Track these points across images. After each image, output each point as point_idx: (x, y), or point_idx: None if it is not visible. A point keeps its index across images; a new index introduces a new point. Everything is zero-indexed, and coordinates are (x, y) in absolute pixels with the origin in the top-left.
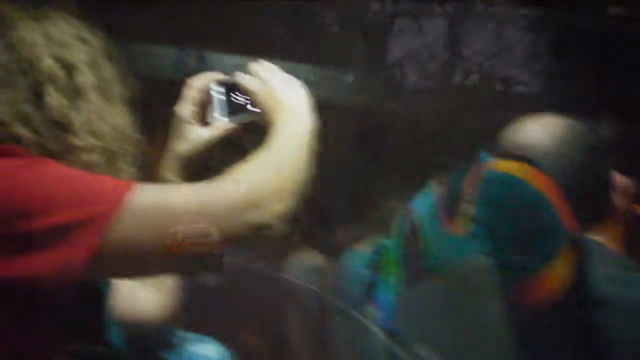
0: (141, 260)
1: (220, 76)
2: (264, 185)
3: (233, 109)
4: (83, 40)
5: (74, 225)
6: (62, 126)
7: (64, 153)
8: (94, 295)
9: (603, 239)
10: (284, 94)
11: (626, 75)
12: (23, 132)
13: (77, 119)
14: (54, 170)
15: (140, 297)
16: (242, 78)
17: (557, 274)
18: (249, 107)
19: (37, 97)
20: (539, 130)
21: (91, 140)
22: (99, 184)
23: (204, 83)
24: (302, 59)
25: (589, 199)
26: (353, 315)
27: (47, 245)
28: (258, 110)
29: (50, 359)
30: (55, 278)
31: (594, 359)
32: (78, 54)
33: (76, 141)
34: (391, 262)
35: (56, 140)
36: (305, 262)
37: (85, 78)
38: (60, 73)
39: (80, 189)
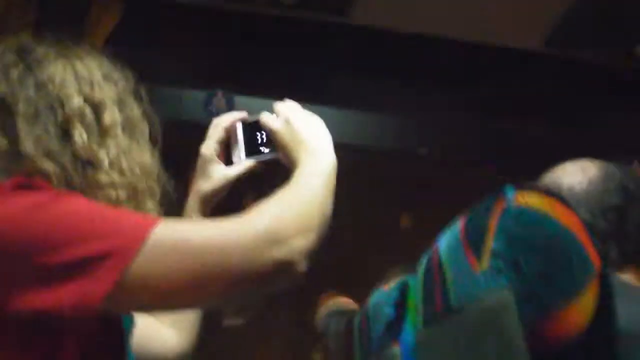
0: (163, 296)
1: (245, 115)
2: (287, 221)
3: (257, 148)
4: (111, 79)
5: (96, 258)
6: (89, 163)
7: (90, 189)
8: (116, 331)
9: (632, 278)
10: (306, 133)
11: None
12: (50, 167)
13: (103, 156)
14: (78, 203)
15: (160, 336)
16: (265, 117)
17: (582, 309)
18: (271, 146)
19: (65, 134)
20: (576, 172)
21: (117, 177)
22: (122, 218)
23: (228, 122)
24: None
25: (622, 239)
26: (380, 357)
27: (69, 278)
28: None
29: None
30: (76, 311)
31: None
32: (106, 93)
33: (103, 178)
34: (415, 300)
35: (83, 177)
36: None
37: (113, 116)
38: (88, 111)
39: (103, 222)
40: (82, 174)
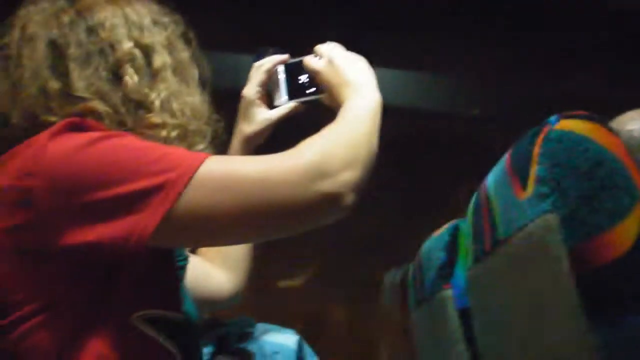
0: (212, 228)
1: (285, 57)
2: (335, 155)
3: (299, 90)
4: (160, 23)
5: (146, 192)
6: (140, 105)
7: (141, 129)
8: (170, 268)
9: None
10: (349, 71)
11: None
12: (102, 108)
13: (154, 98)
14: (129, 141)
15: (212, 277)
16: (308, 58)
17: (626, 232)
18: (314, 87)
19: (117, 76)
20: (638, 119)
21: (168, 118)
22: (172, 153)
23: (270, 65)
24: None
25: None
26: (432, 301)
27: (121, 212)
28: (322, 91)
29: (129, 323)
30: (128, 243)
31: None
32: (155, 37)
33: (154, 119)
34: (466, 241)
35: (134, 118)
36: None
37: (163, 59)
38: (138, 55)
39: (153, 158)
40: (133, 115)
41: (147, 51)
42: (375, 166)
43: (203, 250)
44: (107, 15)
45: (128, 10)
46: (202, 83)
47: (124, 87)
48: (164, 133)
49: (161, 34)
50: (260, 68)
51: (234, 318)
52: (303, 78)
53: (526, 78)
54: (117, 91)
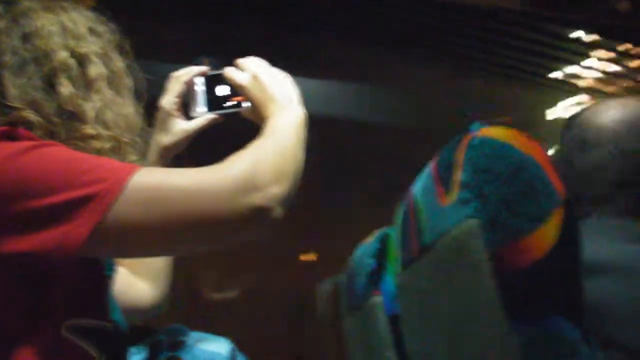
0: (142, 240)
1: (205, 69)
2: (264, 168)
3: (218, 102)
4: (96, 33)
5: (77, 202)
6: (74, 115)
7: (74, 140)
8: (99, 279)
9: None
10: (274, 87)
11: None
12: (35, 118)
13: (88, 109)
14: (60, 151)
15: (135, 287)
16: (230, 72)
17: (545, 236)
18: (234, 100)
19: (51, 86)
20: (614, 110)
21: (102, 130)
22: (103, 165)
23: (188, 76)
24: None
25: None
26: (362, 308)
27: (51, 222)
28: (243, 104)
29: (59, 333)
30: (59, 254)
31: (579, 320)
32: (91, 46)
33: (87, 130)
34: (395, 248)
35: (67, 128)
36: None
37: (98, 70)
38: (74, 64)
39: (84, 168)
40: (67, 125)
41: (83, 61)
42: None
43: (126, 260)
44: (44, 23)
45: (64, 18)
46: (137, 94)
47: (58, 97)
48: (97, 144)
49: (97, 44)
50: (179, 79)
51: (168, 326)
52: (222, 90)
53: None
54: (51, 101)
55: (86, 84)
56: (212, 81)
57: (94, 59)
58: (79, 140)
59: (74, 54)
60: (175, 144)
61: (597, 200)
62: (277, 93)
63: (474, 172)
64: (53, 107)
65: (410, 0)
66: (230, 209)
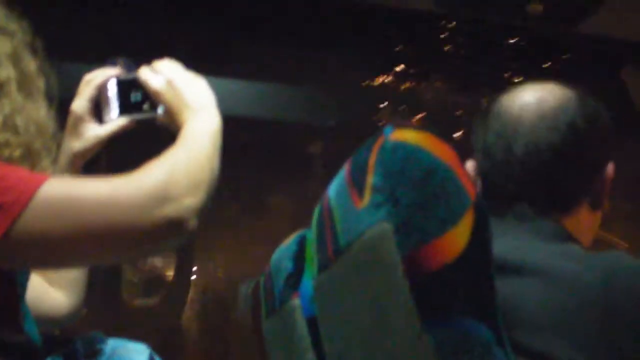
0: (52, 252)
1: (118, 72)
2: (178, 179)
3: (131, 106)
4: (6, 32)
5: None
6: None
7: None
8: (12, 286)
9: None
10: (189, 93)
11: None
12: None
13: None
14: None
15: (49, 296)
16: (145, 75)
17: (457, 237)
18: (148, 105)
19: None
20: (531, 101)
21: (11, 136)
22: (10, 175)
23: (100, 80)
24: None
25: (552, 183)
26: (281, 310)
27: None
28: (158, 109)
29: None
30: None
31: (492, 322)
32: (0, 47)
33: None
34: (311, 251)
35: None
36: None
37: (7, 73)
38: None
39: None
40: None
41: None
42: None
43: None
44: None
45: None
46: (49, 96)
47: None
48: (6, 152)
49: (7, 44)
50: (91, 82)
51: (84, 334)
52: (136, 94)
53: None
54: None
55: None
56: (126, 85)
57: (3, 60)
58: None
59: None
60: (87, 150)
61: (513, 196)
62: (192, 98)
63: (385, 176)
64: None
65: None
66: (143, 220)
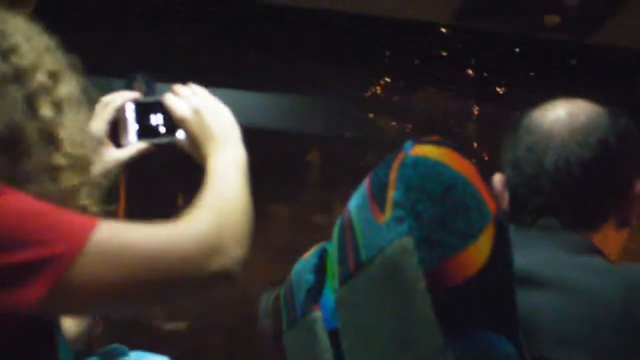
0: (103, 300)
1: (138, 95)
2: (227, 231)
3: (151, 130)
4: (52, 48)
5: (34, 264)
6: (51, 140)
7: (42, 173)
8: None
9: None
10: (216, 124)
11: None
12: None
13: (62, 133)
14: (16, 202)
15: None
16: (170, 101)
17: (478, 252)
18: (168, 130)
19: (31, 108)
20: (562, 116)
21: (73, 154)
22: (62, 221)
23: (118, 102)
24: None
25: (581, 199)
26: (302, 323)
27: (7, 283)
28: (178, 135)
29: None
30: (17, 313)
31: (513, 335)
32: (59, 62)
33: (58, 160)
34: (332, 264)
35: (41, 155)
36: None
37: (67, 88)
38: (50, 84)
39: (42, 225)
40: (43, 152)
41: (55, 80)
42: None
43: None
44: (18, 39)
45: (27, 30)
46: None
47: (40, 120)
48: (67, 181)
49: (60, 60)
50: (108, 104)
51: (105, 347)
52: (156, 118)
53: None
54: (33, 124)
55: (58, 105)
56: (144, 108)
57: (63, 77)
58: (48, 173)
59: (49, 73)
60: (104, 174)
61: (541, 210)
62: (218, 130)
63: (406, 191)
64: (35, 130)
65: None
66: (195, 273)
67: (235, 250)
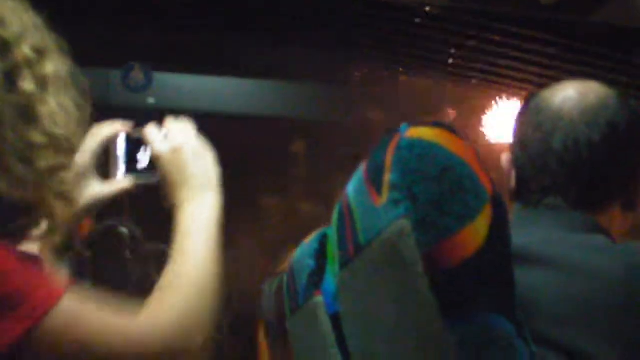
0: None
1: (128, 128)
2: (190, 325)
3: (137, 168)
4: (40, 26)
5: None
6: (29, 117)
7: (20, 151)
8: None
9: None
10: (193, 168)
11: None
12: None
13: (43, 110)
14: None
15: None
16: (151, 136)
17: (475, 233)
18: (154, 169)
19: (10, 82)
20: (573, 96)
21: (55, 131)
22: (29, 284)
23: (109, 133)
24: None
25: (588, 179)
26: (304, 308)
27: None
28: (158, 174)
29: None
30: None
31: (512, 315)
32: (47, 40)
33: (36, 137)
34: (333, 248)
35: (17, 132)
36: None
37: (54, 67)
38: (35, 59)
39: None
40: (17, 129)
41: (41, 56)
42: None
43: None
44: (3, 10)
45: (13, 4)
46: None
47: (17, 94)
48: (43, 161)
49: (48, 38)
50: (96, 136)
51: None
52: (143, 155)
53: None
54: (8, 98)
55: (42, 81)
56: (134, 141)
57: (52, 54)
58: (23, 152)
59: (34, 48)
60: (86, 208)
61: (547, 189)
62: (195, 174)
63: (403, 173)
64: (11, 106)
65: None
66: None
67: (199, 338)
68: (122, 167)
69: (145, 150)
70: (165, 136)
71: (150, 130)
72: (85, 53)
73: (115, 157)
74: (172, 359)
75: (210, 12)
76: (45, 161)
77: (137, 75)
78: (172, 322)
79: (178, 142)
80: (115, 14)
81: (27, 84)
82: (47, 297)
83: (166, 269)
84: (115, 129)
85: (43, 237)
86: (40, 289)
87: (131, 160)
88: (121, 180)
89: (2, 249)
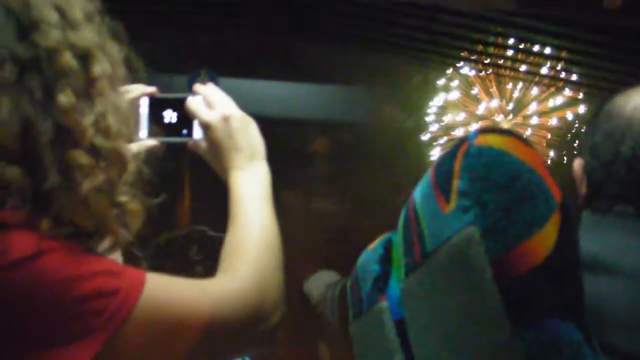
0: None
1: (153, 90)
2: (270, 296)
3: (163, 128)
4: (90, 15)
5: (75, 334)
6: (68, 133)
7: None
8: None
9: None
10: (243, 137)
11: None
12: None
13: (86, 123)
14: (53, 267)
15: None
16: (197, 105)
17: (544, 240)
18: (182, 129)
19: (49, 97)
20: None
21: (102, 141)
22: (105, 285)
23: (134, 95)
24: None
25: None
26: (369, 313)
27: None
28: (194, 135)
29: None
30: None
31: (581, 322)
32: (91, 37)
33: (79, 157)
34: (398, 254)
35: (55, 154)
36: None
37: (101, 67)
38: (75, 66)
39: (82, 295)
40: (56, 151)
41: (85, 59)
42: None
43: None
44: (41, 9)
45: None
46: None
47: (54, 110)
48: (87, 185)
49: (95, 32)
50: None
51: None
52: (170, 116)
53: None
54: (46, 117)
55: (87, 88)
56: (159, 104)
57: (97, 54)
58: (66, 176)
59: (75, 51)
60: None
61: (616, 196)
62: (245, 142)
63: (472, 180)
64: (47, 125)
65: None
66: (239, 338)
67: (276, 316)
68: (145, 128)
69: (171, 112)
70: (210, 105)
71: (194, 100)
72: (149, 59)
73: (139, 119)
74: (255, 316)
75: (274, 20)
76: (91, 182)
77: (203, 81)
78: (251, 276)
79: (227, 111)
80: (178, 20)
81: (65, 97)
82: (136, 278)
83: (228, 236)
84: (140, 91)
85: (108, 251)
86: (127, 273)
87: (155, 123)
88: (146, 141)
89: (74, 248)
